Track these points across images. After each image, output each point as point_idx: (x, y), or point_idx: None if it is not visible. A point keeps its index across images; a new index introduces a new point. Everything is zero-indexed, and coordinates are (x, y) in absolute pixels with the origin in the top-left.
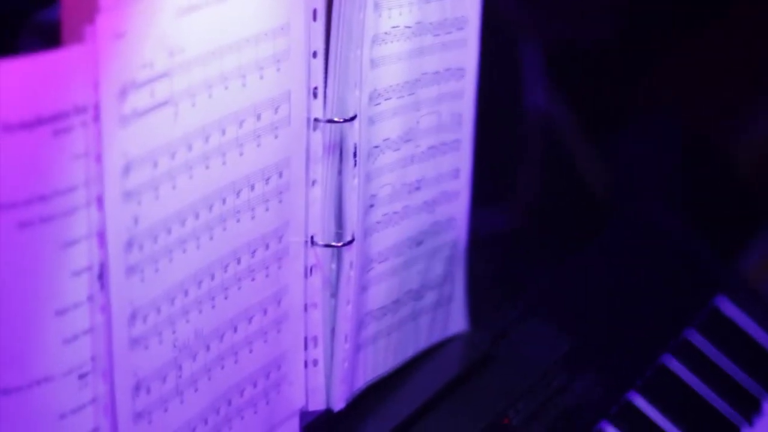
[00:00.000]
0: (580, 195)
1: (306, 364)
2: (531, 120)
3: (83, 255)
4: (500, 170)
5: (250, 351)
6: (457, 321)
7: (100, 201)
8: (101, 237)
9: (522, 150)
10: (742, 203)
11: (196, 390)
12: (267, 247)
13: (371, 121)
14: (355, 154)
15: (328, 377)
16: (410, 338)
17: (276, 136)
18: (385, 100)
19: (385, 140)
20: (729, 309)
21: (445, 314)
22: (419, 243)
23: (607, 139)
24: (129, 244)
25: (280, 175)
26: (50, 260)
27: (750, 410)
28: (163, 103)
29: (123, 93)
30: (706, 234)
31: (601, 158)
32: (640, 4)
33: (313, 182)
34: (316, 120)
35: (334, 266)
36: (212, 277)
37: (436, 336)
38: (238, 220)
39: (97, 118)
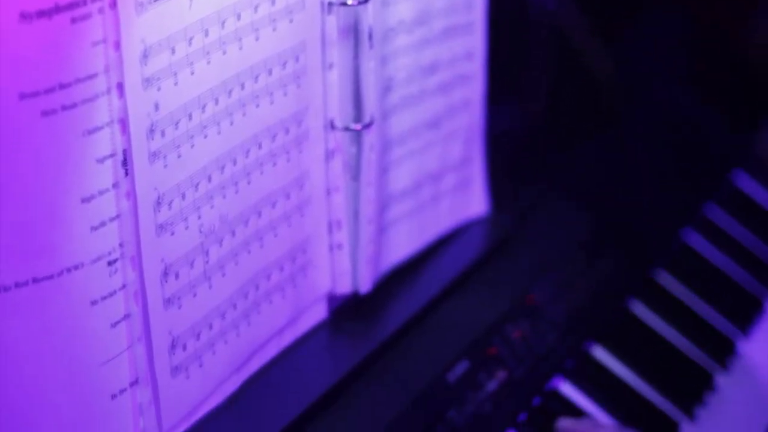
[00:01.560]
0: (593, 85)
1: (331, 248)
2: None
3: (106, 142)
4: (514, 65)
5: (275, 235)
6: (477, 203)
7: (120, 88)
8: (123, 124)
9: (534, 42)
10: (755, 83)
11: (223, 275)
12: (287, 131)
13: (385, 3)
14: (370, 37)
15: (354, 260)
16: (432, 220)
17: (291, 21)
18: None
19: (399, 22)
20: (746, 183)
21: (465, 197)
22: (436, 126)
23: (620, 26)
24: (151, 130)
25: (297, 59)
26: (74, 148)
27: None
28: None
29: None
30: (720, 113)
31: (613, 47)
32: None
33: (330, 66)
34: (330, 3)
35: (354, 150)
36: (234, 162)
37: (458, 218)
38: (257, 105)
39: (114, 4)
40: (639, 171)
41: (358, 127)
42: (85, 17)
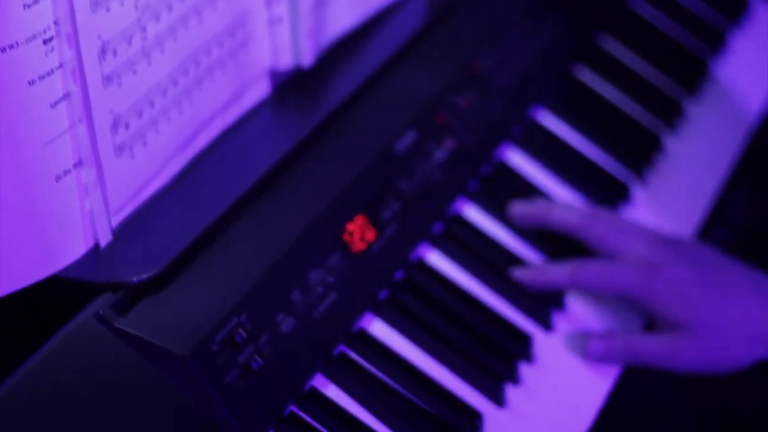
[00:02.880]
0: None
1: (270, 22)
2: None
3: None
4: None
5: (213, 10)
6: None
7: None
8: None
9: None
10: None
11: (162, 52)
12: None
13: None
14: None
15: (294, 33)
16: None
17: None
18: None
19: None
20: None
21: None
22: None
23: None
24: None
25: None
26: None
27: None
28: None
29: None
30: None
31: None
32: None
33: None
34: None
35: None
36: None
37: None
38: None
39: None
40: None
41: None
42: None
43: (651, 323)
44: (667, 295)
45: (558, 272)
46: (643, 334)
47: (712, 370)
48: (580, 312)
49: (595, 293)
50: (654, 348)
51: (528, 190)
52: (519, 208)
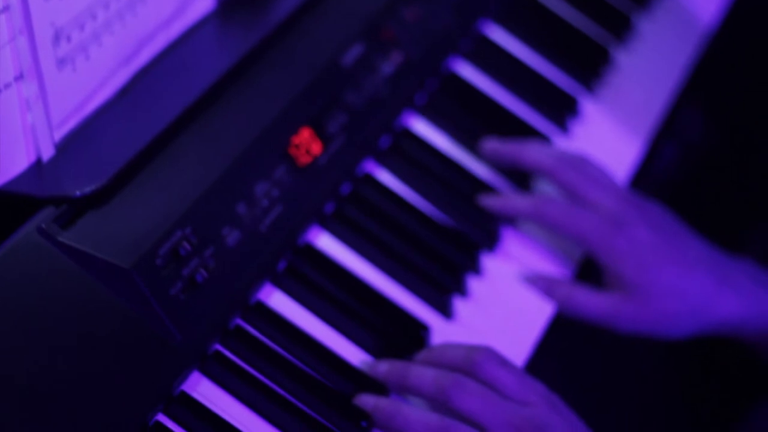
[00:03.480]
0: None
1: None
2: None
3: None
4: None
5: None
6: None
7: None
8: None
9: None
10: None
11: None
12: None
13: None
14: None
15: None
16: None
17: None
18: None
19: None
20: None
21: None
22: None
23: None
24: None
25: None
26: None
27: None
28: None
29: None
30: None
31: None
32: None
33: None
34: None
35: None
36: None
37: None
38: None
39: None
40: None
41: None
42: None
43: (589, 266)
44: (625, 254)
45: (522, 202)
46: (589, 290)
47: (652, 335)
48: (528, 229)
49: (552, 230)
50: (597, 306)
51: (476, 103)
52: (492, 145)
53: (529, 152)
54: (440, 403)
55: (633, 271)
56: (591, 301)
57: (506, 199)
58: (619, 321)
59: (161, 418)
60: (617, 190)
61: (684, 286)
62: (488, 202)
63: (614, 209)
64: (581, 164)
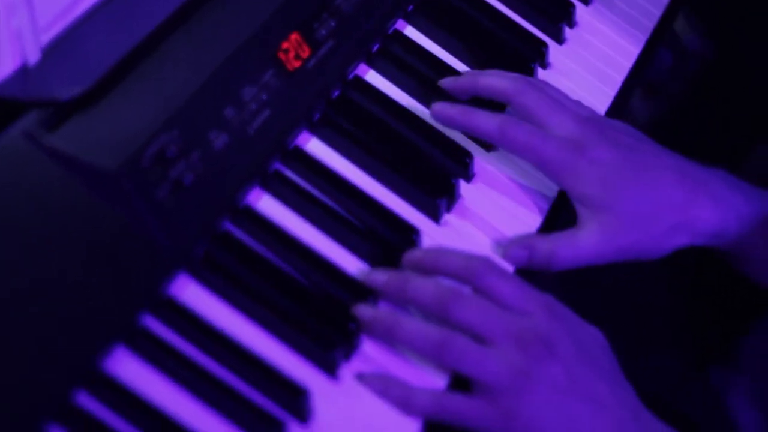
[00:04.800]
0: None
1: None
2: None
3: None
4: None
5: None
6: None
7: None
8: None
9: None
10: None
11: None
12: None
13: None
14: None
15: None
16: None
17: None
18: None
19: None
20: None
21: None
22: None
23: None
24: None
25: None
26: None
27: None
28: None
29: None
30: None
31: None
32: None
33: None
34: None
35: None
36: None
37: None
38: None
39: None
40: None
41: None
42: None
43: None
44: (590, 177)
45: (486, 120)
46: (567, 235)
47: (637, 258)
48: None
49: (515, 155)
50: (577, 251)
51: (469, 6)
52: (446, 82)
53: (485, 78)
54: (438, 315)
55: (601, 192)
56: (578, 246)
57: (470, 112)
58: (603, 253)
59: (149, 321)
60: (577, 113)
61: (655, 200)
62: (449, 110)
63: (574, 131)
64: (538, 85)
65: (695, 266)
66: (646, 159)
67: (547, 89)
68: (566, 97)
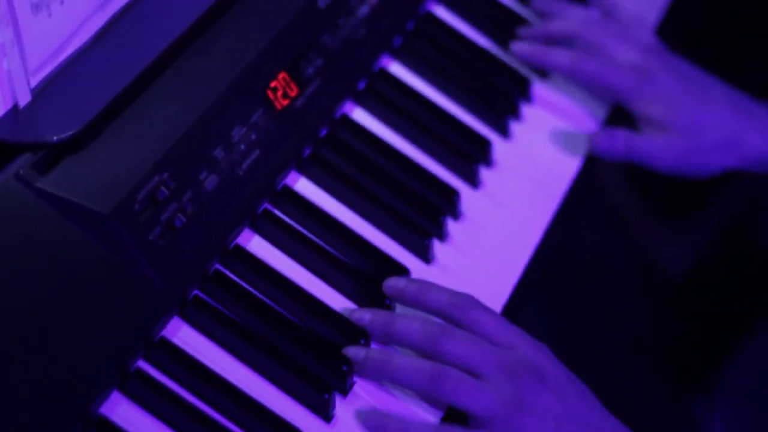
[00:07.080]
0: None
1: None
2: None
3: None
4: None
5: None
6: None
7: None
8: None
9: None
10: None
11: None
12: None
13: None
14: None
15: None
16: None
17: None
18: None
19: None
20: None
21: None
22: None
23: None
24: None
25: None
26: None
27: None
28: None
29: None
30: None
31: None
32: None
33: None
34: None
35: None
36: None
37: None
38: None
39: None
40: None
41: None
42: None
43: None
44: (654, 98)
45: (559, 56)
46: (637, 133)
47: (686, 172)
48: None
49: (584, 84)
50: (645, 146)
51: (453, 43)
52: (523, 31)
53: (554, 24)
54: (427, 351)
55: (663, 112)
56: (642, 143)
57: (544, 51)
58: (662, 157)
59: (142, 364)
60: (642, 43)
61: (709, 121)
62: (525, 48)
63: (639, 60)
64: (604, 21)
65: (676, 298)
66: (702, 87)
67: (612, 23)
68: (630, 29)
